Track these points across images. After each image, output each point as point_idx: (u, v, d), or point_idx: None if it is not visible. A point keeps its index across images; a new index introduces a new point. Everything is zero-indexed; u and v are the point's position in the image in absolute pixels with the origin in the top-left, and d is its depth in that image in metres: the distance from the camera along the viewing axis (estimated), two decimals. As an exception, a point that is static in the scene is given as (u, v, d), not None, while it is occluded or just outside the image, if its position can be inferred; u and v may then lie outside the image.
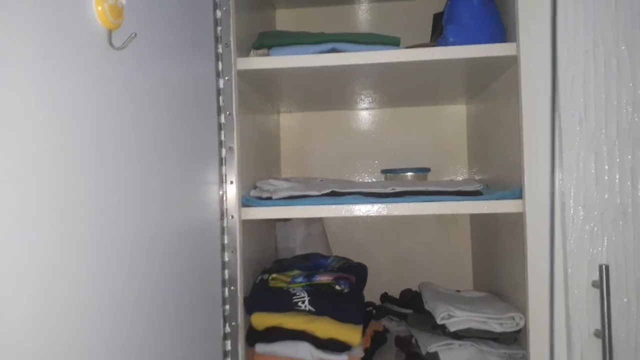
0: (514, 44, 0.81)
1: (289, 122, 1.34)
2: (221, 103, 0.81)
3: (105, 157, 0.49)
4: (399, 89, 1.08)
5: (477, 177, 1.17)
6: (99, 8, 0.50)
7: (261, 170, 1.09)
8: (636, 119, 0.77)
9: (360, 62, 0.85)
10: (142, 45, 0.56)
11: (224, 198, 0.81)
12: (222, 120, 0.82)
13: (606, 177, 0.77)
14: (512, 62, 0.83)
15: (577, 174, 0.78)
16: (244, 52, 0.91)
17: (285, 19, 1.31)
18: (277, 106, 1.26)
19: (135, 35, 0.52)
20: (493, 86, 1.01)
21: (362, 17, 1.30)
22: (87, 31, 0.48)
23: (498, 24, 0.87)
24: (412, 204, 0.84)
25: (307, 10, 1.30)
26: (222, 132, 0.82)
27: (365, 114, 1.32)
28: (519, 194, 0.82)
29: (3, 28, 0.37)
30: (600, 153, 0.77)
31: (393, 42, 0.87)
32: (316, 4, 1.28)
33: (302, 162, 1.34)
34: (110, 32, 0.51)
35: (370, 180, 1.31)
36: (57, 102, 0.42)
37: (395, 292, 1.19)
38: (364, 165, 1.32)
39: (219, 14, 0.80)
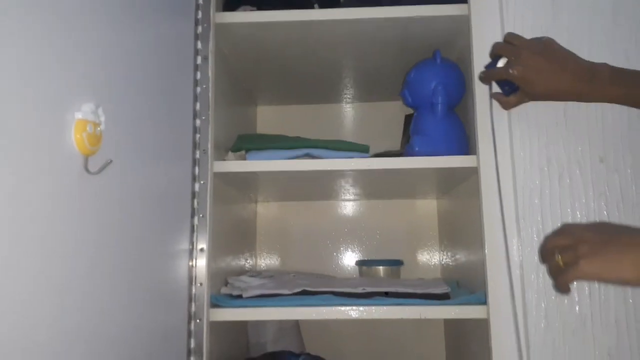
0: (474, 157, 0.87)
1: (266, 210, 1.37)
2: (195, 205, 0.84)
3: (76, 272, 0.51)
4: (372, 186, 1.13)
5: (448, 267, 1.19)
6: (78, 136, 0.53)
7: (235, 260, 1.10)
8: (590, 233, 0.81)
9: (331, 168, 0.89)
10: (118, 166, 0.59)
11: (193, 301, 0.82)
12: (196, 222, 0.84)
13: (565, 289, 0.80)
14: (473, 172, 0.88)
15: (537, 285, 0.80)
16: (222, 150, 0.96)
17: (266, 115, 1.38)
18: (255, 197, 1.29)
19: (111, 161, 0.56)
20: (460, 188, 1.06)
21: (341, 115, 1.38)
22: (64, 157, 0.51)
23: (461, 135, 0.94)
24: (381, 307, 0.85)
25: (288, 108, 1.37)
26: (195, 234, 0.84)
27: (341, 205, 1.36)
28: (483, 299, 0.84)
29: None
30: (558, 265, 0.80)
31: (362, 150, 0.92)
32: (297, 102, 1.35)
33: (278, 249, 1.35)
34: (87, 158, 0.54)
35: (345, 269, 1.32)
36: (30, 229, 0.44)
37: (368, 390, 1.17)
38: (340, 253, 1.34)
39: (198, 122, 0.85)
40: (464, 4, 0.89)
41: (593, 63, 0.77)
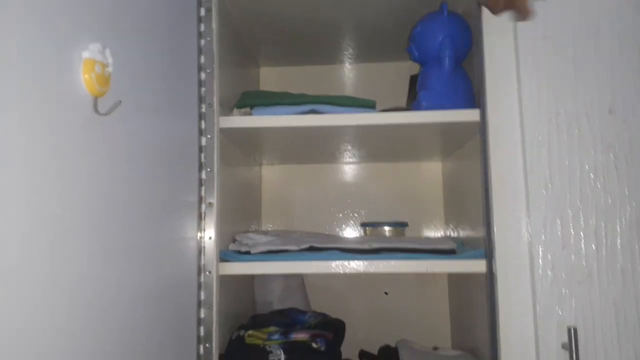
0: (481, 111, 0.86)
1: (270, 174, 1.37)
2: (203, 160, 0.84)
3: (86, 218, 0.51)
4: (377, 146, 1.12)
5: (453, 232, 1.19)
6: (86, 76, 0.52)
7: (241, 222, 1.10)
8: (598, 185, 0.81)
9: (337, 123, 0.89)
10: (127, 110, 0.59)
11: (202, 253, 0.82)
12: (203, 176, 0.84)
13: (572, 240, 0.80)
14: (479, 128, 0.88)
15: (545, 237, 0.81)
16: (227, 109, 0.95)
17: (269, 77, 1.36)
18: (259, 159, 1.29)
19: (120, 102, 0.55)
20: (466, 147, 1.05)
21: (344, 76, 1.36)
22: (73, 98, 0.50)
23: (468, 90, 0.93)
24: (388, 261, 0.86)
25: (290, 69, 1.36)
26: (203, 188, 0.83)
27: (345, 168, 1.36)
28: (489, 254, 0.85)
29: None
30: (566, 217, 0.80)
31: (369, 105, 0.91)
32: (299, 63, 1.33)
33: (283, 213, 1.36)
34: (96, 99, 0.53)
35: (349, 233, 1.33)
36: (40, 167, 0.44)
37: (373, 347, 1.19)
38: (344, 218, 1.34)
39: (203, 75, 0.84)
40: (472, -46, 0.87)
41: None
